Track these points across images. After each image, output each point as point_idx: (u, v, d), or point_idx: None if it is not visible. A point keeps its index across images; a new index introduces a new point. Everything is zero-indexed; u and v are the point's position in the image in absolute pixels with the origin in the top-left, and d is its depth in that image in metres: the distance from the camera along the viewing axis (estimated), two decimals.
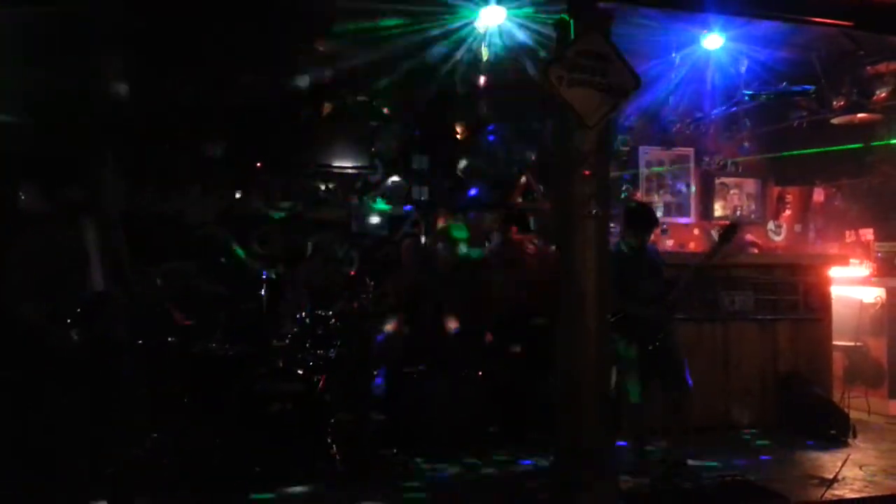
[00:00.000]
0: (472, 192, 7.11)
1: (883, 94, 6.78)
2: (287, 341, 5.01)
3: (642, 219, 4.85)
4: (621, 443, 4.85)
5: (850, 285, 6.82)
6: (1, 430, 3.93)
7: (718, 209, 8.00)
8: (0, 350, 3.94)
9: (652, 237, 4.99)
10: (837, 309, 6.45)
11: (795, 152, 7.25)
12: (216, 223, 6.30)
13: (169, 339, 4.75)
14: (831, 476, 4.48)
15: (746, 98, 6.99)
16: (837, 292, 6.52)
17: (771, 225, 8.19)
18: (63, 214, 3.88)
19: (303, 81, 6.40)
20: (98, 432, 3.83)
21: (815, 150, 7.12)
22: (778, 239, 8.17)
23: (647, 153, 7.80)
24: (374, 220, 6.95)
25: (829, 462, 4.90)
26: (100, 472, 3.87)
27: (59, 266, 3.74)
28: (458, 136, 7.06)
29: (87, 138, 5.34)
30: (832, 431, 5.58)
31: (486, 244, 7.03)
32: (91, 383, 3.73)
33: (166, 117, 6.10)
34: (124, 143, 5.92)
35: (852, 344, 6.59)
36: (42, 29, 5.22)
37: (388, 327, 5.73)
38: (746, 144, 7.85)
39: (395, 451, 4.93)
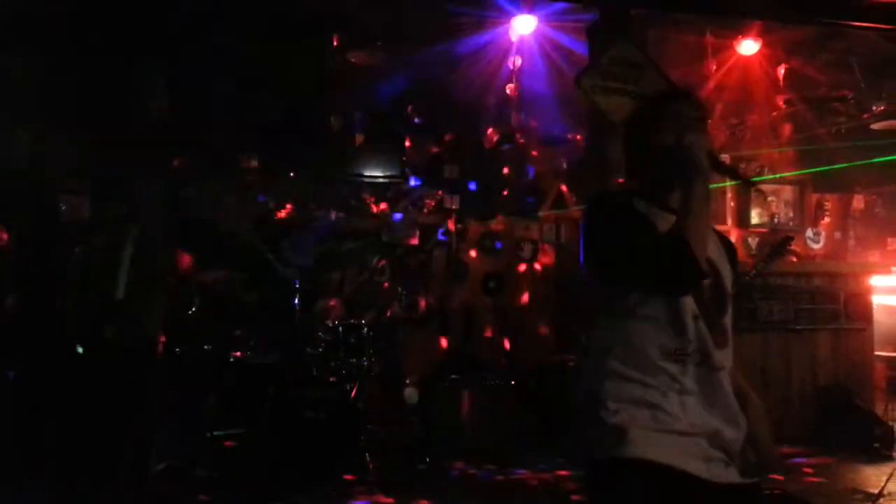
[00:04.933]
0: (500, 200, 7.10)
1: None
2: (320, 350, 5.06)
3: None
4: None
5: (893, 294, 6.64)
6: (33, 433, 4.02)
7: (755, 216, 7.87)
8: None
9: None
10: (880, 318, 6.29)
11: (836, 166, 7.09)
12: (251, 232, 6.39)
13: (205, 346, 4.82)
14: (876, 491, 4.36)
15: (784, 104, 6.87)
16: (879, 301, 6.36)
17: (809, 233, 8.02)
18: (106, 224, 3.98)
19: (336, 91, 6.47)
20: (122, 437, 3.89)
21: (853, 163, 6.98)
22: (817, 247, 8.00)
23: None
24: (406, 229, 6.98)
25: (873, 476, 4.77)
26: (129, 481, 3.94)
27: (99, 272, 3.83)
28: (490, 145, 7.06)
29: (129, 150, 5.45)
30: (875, 445, 5.43)
31: (518, 252, 7.01)
32: (105, 387, 3.78)
33: (202, 126, 6.21)
34: (161, 153, 6.05)
35: (895, 355, 6.41)
36: (82, 38, 5.35)
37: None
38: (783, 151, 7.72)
39: (427, 459, 4.93)
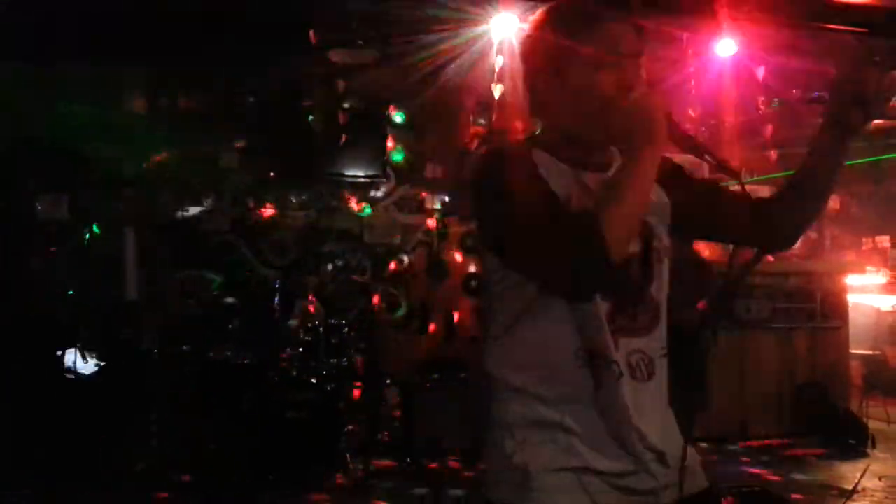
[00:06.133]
0: None
1: None
2: (301, 350, 5.04)
3: None
4: None
5: (868, 293, 6.75)
6: (22, 431, 3.99)
7: None
8: (29, 353, 4.01)
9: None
10: (854, 317, 6.38)
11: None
12: (231, 232, 6.34)
13: (184, 347, 4.78)
14: (850, 487, 4.43)
15: (761, 105, 6.95)
16: (854, 300, 6.45)
17: None
18: (102, 223, 3.94)
19: (317, 90, 6.46)
20: (118, 439, 3.87)
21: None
22: (794, 246, 8.09)
23: None
24: (387, 228, 6.96)
25: (848, 472, 4.84)
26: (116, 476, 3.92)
27: (95, 273, 3.79)
28: (472, 145, 7.07)
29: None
30: (851, 441, 5.51)
31: None
32: (115, 391, 3.77)
33: (180, 126, 6.16)
34: (140, 153, 5.99)
35: (870, 353, 6.51)
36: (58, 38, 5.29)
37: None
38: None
39: (408, 459, 4.92)
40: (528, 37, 1.36)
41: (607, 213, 1.16)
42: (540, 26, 1.33)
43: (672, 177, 1.43)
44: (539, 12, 1.34)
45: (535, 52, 1.33)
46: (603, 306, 1.28)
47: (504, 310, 1.35)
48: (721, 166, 1.32)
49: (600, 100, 1.24)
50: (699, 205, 1.46)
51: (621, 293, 1.29)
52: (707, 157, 1.32)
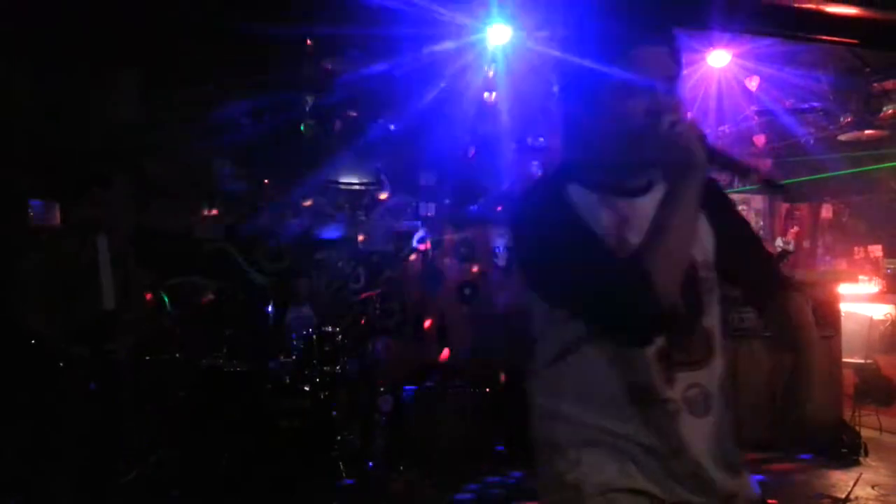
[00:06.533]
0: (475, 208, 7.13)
1: (890, 111, 6.76)
2: (294, 357, 5.02)
3: None
4: None
5: (860, 302, 6.77)
6: (6, 445, 3.95)
7: None
8: (8, 364, 3.98)
9: None
10: (847, 326, 6.39)
11: (804, 178, 7.26)
12: (225, 239, 6.33)
13: (176, 354, 4.76)
14: (843, 496, 4.43)
15: (754, 115, 6.99)
16: (847, 309, 6.47)
17: (779, 241, 8.15)
18: (75, 230, 3.93)
19: (311, 98, 6.46)
20: (101, 450, 3.84)
21: (821, 175, 7.14)
22: None
23: None
24: (381, 236, 6.96)
25: (841, 481, 4.85)
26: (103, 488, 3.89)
27: (70, 282, 3.77)
28: (465, 153, 7.08)
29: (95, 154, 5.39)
30: (843, 450, 5.52)
31: (493, 259, 7.03)
32: (94, 401, 3.75)
33: (174, 133, 6.15)
34: (132, 160, 5.98)
35: (862, 361, 6.52)
36: (49, 46, 5.28)
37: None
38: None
39: (401, 468, 4.90)
40: (560, 60, 1.32)
41: (653, 260, 1.14)
42: (571, 50, 1.30)
43: (716, 202, 1.39)
44: (571, 35, 1.33)
45: (566, 75, 1.31)
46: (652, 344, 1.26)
47: (549, 344, 1.33)
48: (766, 183, 1.32)
49: (633, 126, 1.22)
50: (729, 247, 1.40)
51: (672, 328, 1.26)
52: (752, 175, 1.29)
